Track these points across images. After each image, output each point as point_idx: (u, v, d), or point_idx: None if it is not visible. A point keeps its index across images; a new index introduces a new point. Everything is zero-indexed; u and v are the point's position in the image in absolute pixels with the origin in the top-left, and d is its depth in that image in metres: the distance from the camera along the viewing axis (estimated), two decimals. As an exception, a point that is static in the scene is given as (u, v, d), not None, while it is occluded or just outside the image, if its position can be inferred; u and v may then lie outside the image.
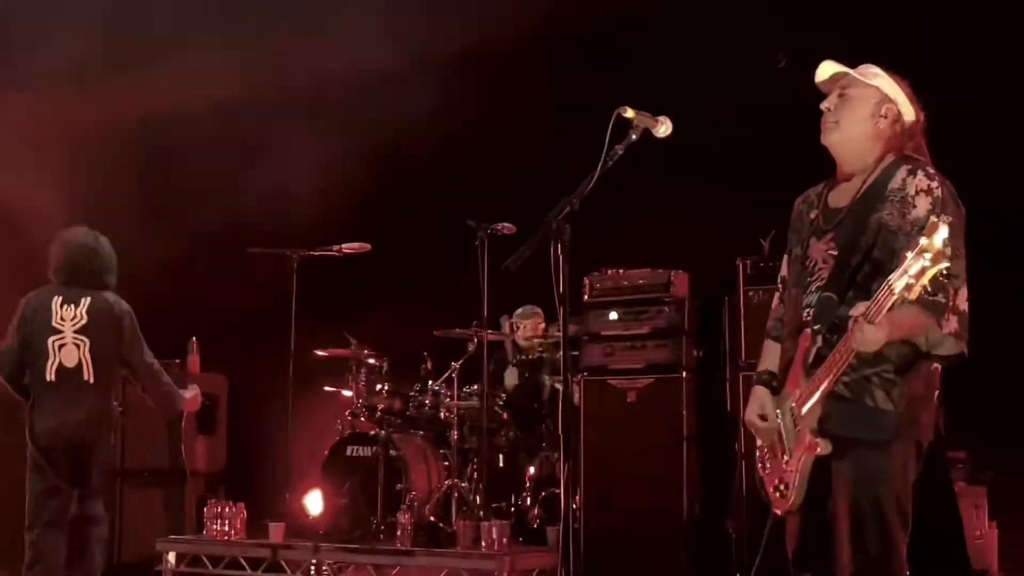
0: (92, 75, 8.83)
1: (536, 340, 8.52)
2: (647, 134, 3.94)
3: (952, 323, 3.48)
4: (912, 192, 3.58)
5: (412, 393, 8.21)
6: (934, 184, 3.58)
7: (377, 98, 8.81)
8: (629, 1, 8.28)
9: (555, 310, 8.05)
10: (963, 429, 7.22)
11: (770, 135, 6.97)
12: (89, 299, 6.18)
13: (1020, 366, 7.81)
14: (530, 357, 8.48)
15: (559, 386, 8.08)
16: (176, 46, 8.92)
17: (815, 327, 3.60)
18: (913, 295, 3.20)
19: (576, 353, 6.60)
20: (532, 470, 8.03)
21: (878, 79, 3.78)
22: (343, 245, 8.08)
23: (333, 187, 8.86)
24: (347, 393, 8.27)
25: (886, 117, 3.75)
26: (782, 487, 3.72)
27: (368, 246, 8.12)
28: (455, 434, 7.90)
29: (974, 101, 7.01)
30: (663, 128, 3.96)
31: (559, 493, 7.75)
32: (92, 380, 6.13)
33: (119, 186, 9.07)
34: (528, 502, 7.91)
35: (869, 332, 3.33)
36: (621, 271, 6.69)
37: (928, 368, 3.63)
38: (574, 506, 5.89)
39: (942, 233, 3.14)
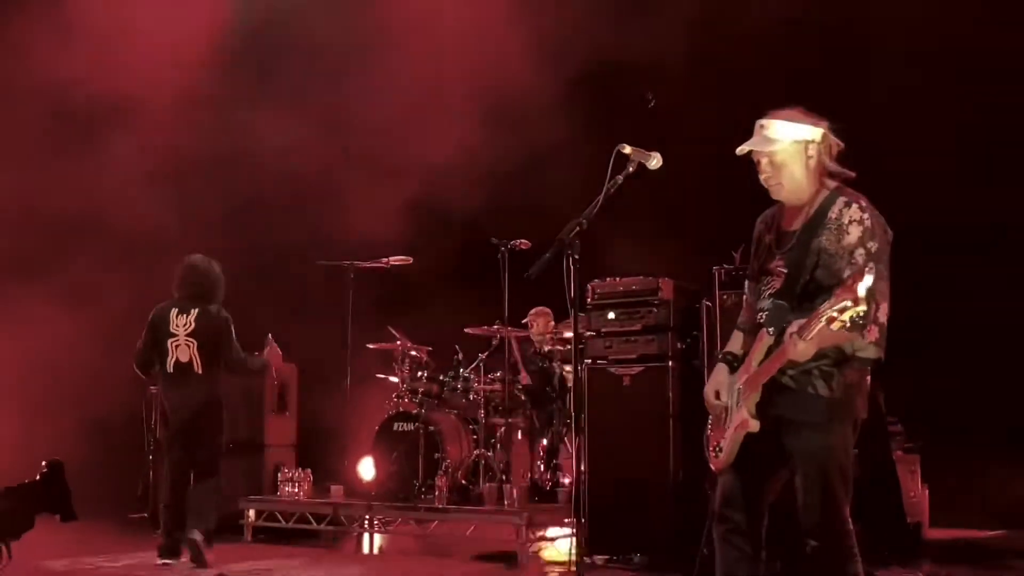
0: (195, 113, 8.91)
1: (546, 335, 8.49)
2: (642, 166, 3.92)
3: (873, 333, 3.48)
4: (846, 222, 3.57)
5: (446, 379, 8.17)
6: (865, 216, 3.57)
7: (412, 146, 8.83)
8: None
9: (560, 310, 8.19)
10: (900, 407, 7.18)
11: (740, 167, 6.95)
12: (197, 310, 6.63)
13: (946, 357, 7.78)
14: (542, 349, 8.45)
15: (566, 373, 8.07)
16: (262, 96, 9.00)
17: (769, 328, 3.61)
18: (835, 327, 3.29)
19: (581, 346, 6.55)
20: (545, 442, 8.00)
21: (784, 130, 3.69)
22: (390, 258, 8.10)
23: (381, 213, 8.85)
24: (393, 379, 8.26)
25: (812, 156, 3.69)
26: (718, 449, 3.74)
27: (411, 259, 8.14)
28: (482, 413, 7.87)
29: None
30: (654, 162, 3.94)
31: (567, 461, 7.75)
32: (201, 372, 6.58)
33: (219, 210, 9.18)
34: (542, 468, 7.89)
35: (801, 346, 3.40)
36: (618, 279, 6.64)
37: (861, 365, 3.61)
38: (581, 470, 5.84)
39: (866, 282, 3.22)
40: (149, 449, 8.81)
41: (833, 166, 3.71)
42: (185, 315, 6.63)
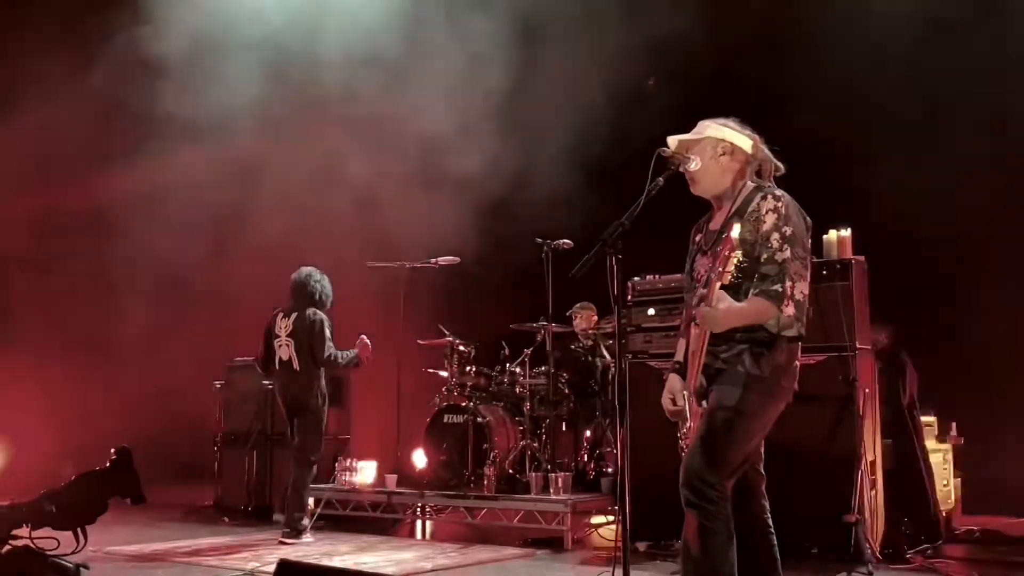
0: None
1: (589, 330, 8.47)
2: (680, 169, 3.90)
3: (790, 308, 3.60)
4: (762, 212, 3.71)
5: (494, 373, 8.19)
6: (779, 204, 3.71)
7: (461, 152, 8.86)
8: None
9: (602, 306, 8.17)
10: (933, 398, 7.09)
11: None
12: (296, 314, 7.23)
13: (978, 351, 7.68)
14: (586, 344, 8.43)
15: (609, 366, 8.04)
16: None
17: (696, 321, 3.69)
18: (725, 281, 3.47)
19: (623, 341, 6.53)
20: (588, 433, 7.99)
21: (707, 130, 3.90)
22: (439, 258, 8.12)
23: (430, 216, 8.90)
24: (443, 374, 8.28)
25: (723, 154, 3.87)
26: (686, 447, 3.75)
27: (458, 259, 8.16)
28: (527, 405, 7.87)
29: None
30: (693, 164, 3.92)
31: (610, 450, 7.73)
32: (298, 368, 7.15)
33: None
34: (585, 458, 7.88)
35: (706, 311, 3.53)
36: (657, 276, 6.61)
37: (788, 344, 3.67)
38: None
39: (735, 231, 3.47)
40: (216, 440, 8.95)
41: (758, 180, 3.87)
42: (287, 319, 7.25)
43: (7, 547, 4.04)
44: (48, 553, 4.02)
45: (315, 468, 7.24)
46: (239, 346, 9.12)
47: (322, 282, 7.34)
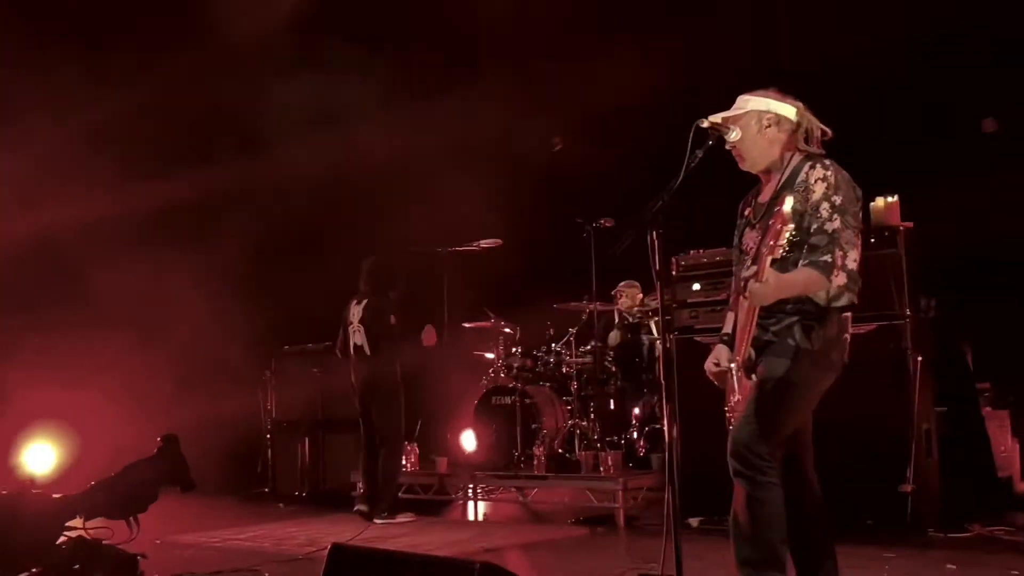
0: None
1: (634, 307, 8.39)
2: (721, 140, 3.80)
3: (841, 278, 3.52)
4: (811, 182, 3.61)
5: (539, 353, 8.14)
6: (828, 173, 3.61)
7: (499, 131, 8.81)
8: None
9: (647, 284, 8.07)
10: (990, 364, 6.92)
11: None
12: (367, 301, 7.31)
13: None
14: (630, 321, 8.35)
15: (655, 344, 7.95)
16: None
17: (744, 294, 3.61)
18: (777, 255, 3.35)
19: (668, 317, 6.43)
20: (637, 411, 7.91)
21: (749, 103, 3.80)
22: (480, 241, 8.06)
23: (471, 199, 8.86)
24: (489, 355, 8.27)
25: (769, 126, 3.77)
26: (732, 421, 3.69)
27: (500, 241, 8.10)
28: (574, 384, 7.82)
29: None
30: (733, 134, 3.81)
31: (659, 428, 7.65)
32: (370, 353, 7.21)
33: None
34: (635, 436, 7.80)
35: (756, 287, 3.42)
36: (702, 251, 6.51)
37: (839, 316, 3.59)
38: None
39: (788, 204, 3.33)
40: (267, 429, 9.01)
41: (807, 147, 3.75)
42: (358, 305, 7.33)
43: (62, 539, 4.08)
44: (103, 542, 4.05)
45: (404, 448, 7.40)
46: (289, 334, 9.17)
47: (392, 269, 7.41)
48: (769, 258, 3.38)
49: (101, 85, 9.02)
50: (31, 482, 5.74)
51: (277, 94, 9.10)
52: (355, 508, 7.24)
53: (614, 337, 8.32)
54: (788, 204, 3.38)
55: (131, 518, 4.18)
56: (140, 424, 8.38)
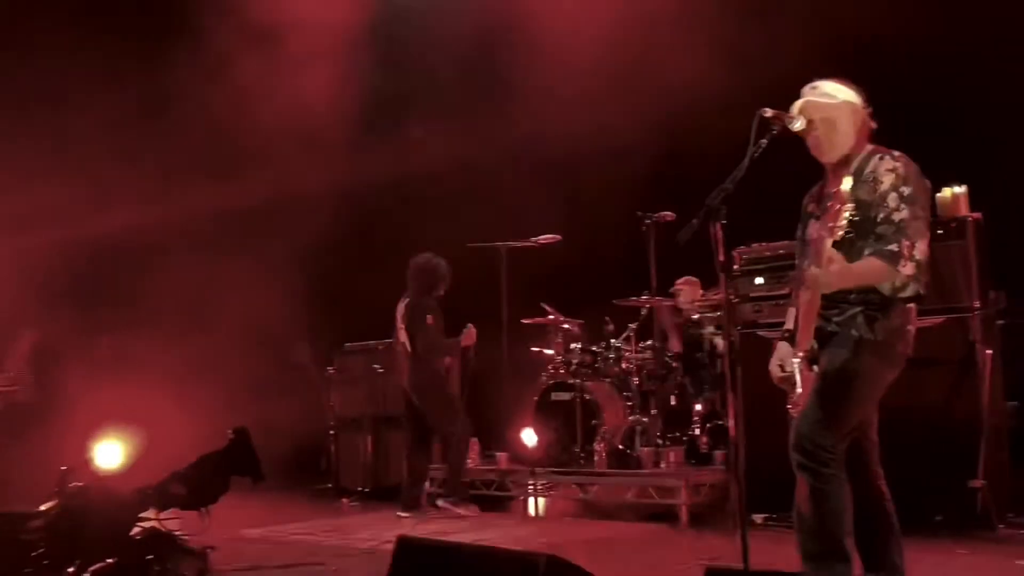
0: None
1: (694, 303, 8.33)
2: (784, 129, 3.77)
3: (908, 268, 3.48)
4: (880, 172, 3.60)
5: (599, 349, 8.13)
6: (898, 164, 3.61)
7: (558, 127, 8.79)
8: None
9: (706, 279, 8.00)
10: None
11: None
12: (409, 300, 7.47)
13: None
14: (691, 317, 8.29)
15: (716, 339, 7.89)
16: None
17: (807, 284, 3.60)
18: (837, 236, 3.36)
19: (731, 310, 6.39)
20: (699, 407, 7.85)
21: (840, 93, 3.77)
22: (539, 237, 8.04)
23: (528, 194, 8.87)
24: (548, 352, 8.26)
25: (854, 115, 3.76)
26: (795, 415, 3.67)
27: (559, 237, 8.07)
28: (635, 380, 7.79)
29: None
30: (798, 124, 3.78)
31: (722, 424, 7.59)
32: (411, 352, 7.39)
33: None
34: (697, 432, 7.75)
35: (819, 273, 3.42)
36: (764, 244, 6.44)
37: (903, 307, 3.56)
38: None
39: (846, 183, 3.38)
40: (330, 426, 9.12)
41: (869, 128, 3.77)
42: (403, 305, 7.50)
43: (136, 529, 4.18)
44: (175, 534, 4.15)
45: (461, 441, 7.44)
46: (351, 331, 9.27)
47: (435, 269, 7.50)
48: (829, 240, 3.35)
49: (160, 87, 9.21)
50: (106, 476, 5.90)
51: (339, 93, 9.18)
52: (398, 513, 7.32)
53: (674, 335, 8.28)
54: (846, 184, 3.37)
55: (203, 508, 4.27)
56: (208, 421, 8.54)
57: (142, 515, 4.21)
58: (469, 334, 7.57)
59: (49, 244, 9.09)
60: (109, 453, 7.39)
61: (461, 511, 7.13)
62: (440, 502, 7.21)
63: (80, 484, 4.27)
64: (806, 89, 3.81)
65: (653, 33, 8.27)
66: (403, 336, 7.48)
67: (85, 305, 9.11)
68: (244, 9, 9.02)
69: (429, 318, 7.36)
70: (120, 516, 4.11)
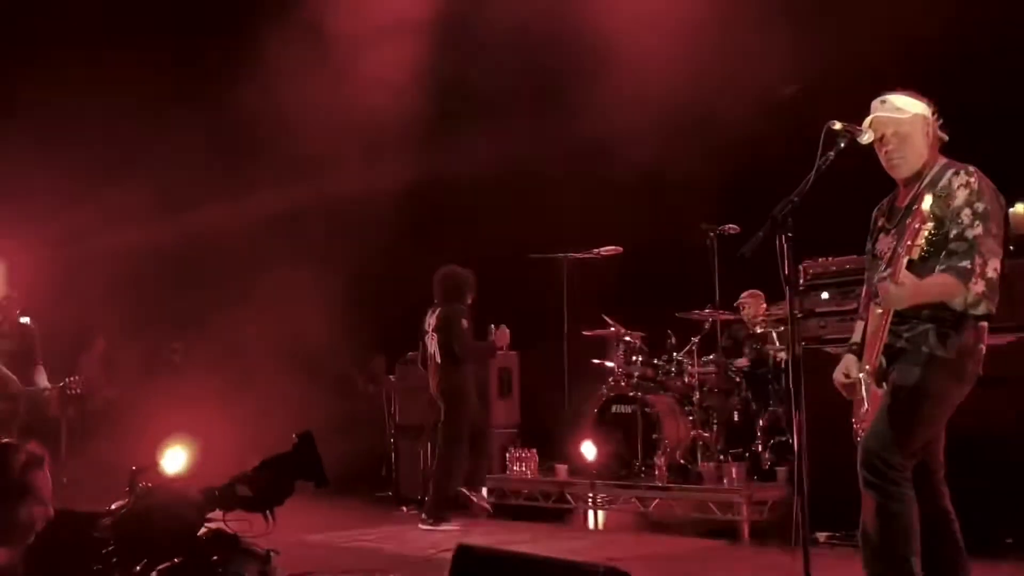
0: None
1: (759, 317, 8.26)
2: (853, 142, 3.74)
3: (980, 286, 3.44)
4: (955, 187, 3.56)
5: (660, 363, 8.09)
6: (972, 179, 3.56)
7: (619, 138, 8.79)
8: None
9: (771, 293, 7.92)
10: None
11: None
12: (439, 310, 7.49)
13: None
14: (755, 331, 8.22)
15: (780, 355, 7.81)
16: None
17: (876, 300, 3.59)
18: (914, 255, 3.34)
19: (796, 324, 6.32)
20: (762, 422, 7.77)
21: (912, 106, 3.72)
22: (601, 249, 8.04)
23: (591, 208, 8.88)
24: (609, 364, 8.25)
25: (928, 129, 3.72)
26: (861, 432, 3.68)
27: (621, 248, 8.06)
28: (697, 394, 7.74)
29: None
30: (866, 137, 3.75)
31: (786, 440, 7.50)
32: (440, 361, 7.41)
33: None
34: (760, 448, 7.67)
35: (892, 289, 3.38)
36: (830, 258, 6.37)
37: (976, 324, 3.52)
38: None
39: (926, 203, 3.35)
40: (391, 433, 9.20)
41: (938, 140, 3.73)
42: (432, 315, 7.51)
43: (203, 530, 4.26)
44: (240, 536, 4.21)
45: (460, 456, 7.39)
46: (410, 341, 9.36)
47: (463, 278, 7.53)
48: (906, 258, 3.33)
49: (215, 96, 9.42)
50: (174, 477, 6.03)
51: (406, 99, 9.27)
52: (421, 527, 7.29)
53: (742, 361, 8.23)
54: (927, 202, 3.33)
55: (268, 511, 4.33)
56: (272, 428, 8.68)
57: (208, 516, 4.29)
58: (502, 334, 7.57)
59: (125, 250, 9.33)
60: (175, 458, 7.56)
61: (443, 528, 7.09)
62: (422, 526, 7.18)
63: (149, 484, 4.36)
64: (876, 103, 3.77)
65: (721, 45, 8.25)
66: (432, 345, 7.49)
67: (158, 312, 9.32)
68: (300, 12, 9.20)
69: (464, 322, 7.41)
70: (187, 516, 4.20)
